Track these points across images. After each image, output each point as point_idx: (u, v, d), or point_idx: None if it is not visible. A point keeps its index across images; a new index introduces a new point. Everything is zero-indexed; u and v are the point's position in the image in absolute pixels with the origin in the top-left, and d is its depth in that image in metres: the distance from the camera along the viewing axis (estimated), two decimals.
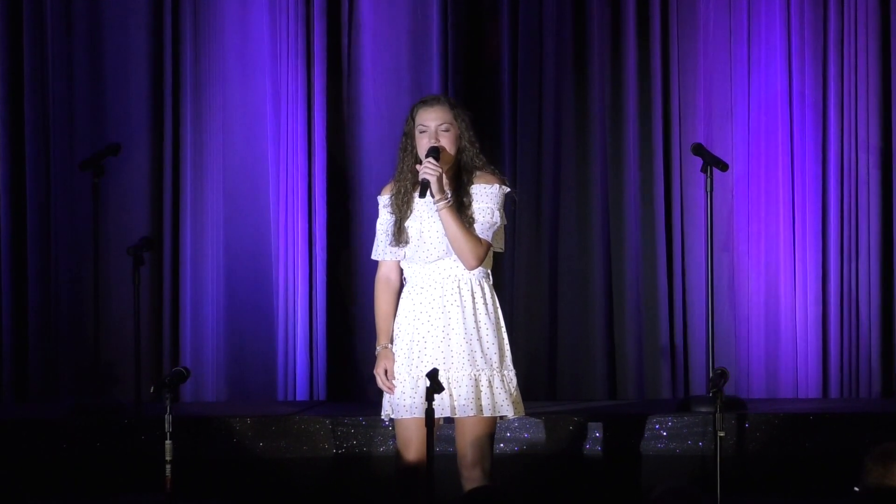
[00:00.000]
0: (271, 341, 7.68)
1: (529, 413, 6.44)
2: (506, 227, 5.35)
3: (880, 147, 7.61)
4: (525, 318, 7.65)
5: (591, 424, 6.49)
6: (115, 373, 7.51)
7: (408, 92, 7.63)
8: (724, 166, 6.79)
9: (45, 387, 7.66)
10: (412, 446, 5.24)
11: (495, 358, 5.23)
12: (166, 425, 5.13)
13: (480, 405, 5.19)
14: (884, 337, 7.61)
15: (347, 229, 7.70)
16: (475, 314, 5.22)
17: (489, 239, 5.22)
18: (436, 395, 5.06)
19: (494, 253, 5.33)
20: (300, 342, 7.65)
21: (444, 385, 5.07)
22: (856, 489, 4.04)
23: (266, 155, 7.71)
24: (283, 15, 7.69)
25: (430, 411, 4.88)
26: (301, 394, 7.64)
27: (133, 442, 6.49)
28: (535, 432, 6.50)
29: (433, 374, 4.90)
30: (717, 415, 5.67)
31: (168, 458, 5.17)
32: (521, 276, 7.65)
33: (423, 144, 5.23)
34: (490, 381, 5.21)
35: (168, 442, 5.15)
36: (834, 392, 7.57)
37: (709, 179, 6.77)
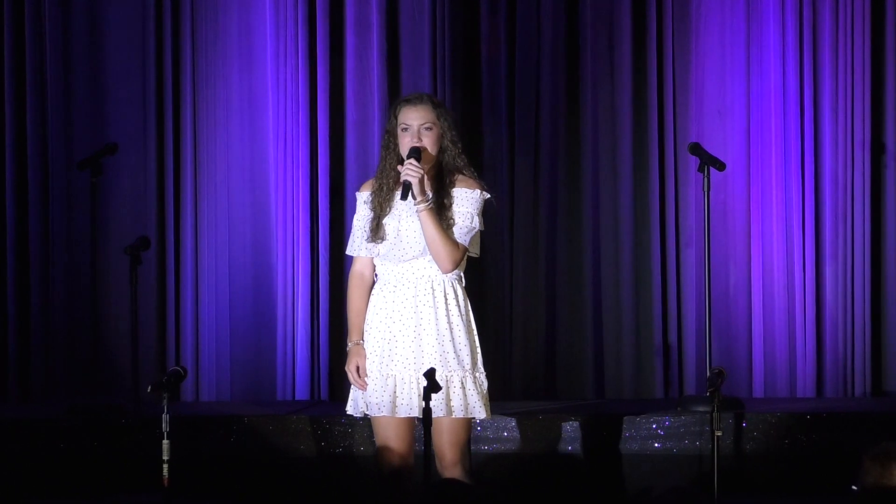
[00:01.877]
0: (272, 340, 7.66)
1: (527, 412, 6.44)
2: (482, 232, 5.32)
3: (875, 145, 7.58)
4: (523, 318, 7.63)
5: (589, 424, 6.46)
6: (113, 372, 7.49)
7: (408, 91, 7.59)
8: (721, 166, 6.75)
9: (43, 387, 7.65)
10: (390, 444, 5.26)
11: (468, 360, 5.21)
12: (164, 425, 5.11)
13: (451, 406, 5.18)
14: (875, 335, 7.58)
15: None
16: (448, 315, 5.20)
17: (466, 244, 5.21)
18: (406, 396, 5.15)
19: (469, 258, 5.31)
20: (301, 341, 7.63)
21: (415, 386, 5.11)
22: (854, 488, 4.02)
23: (268, 153, 7.68)
24: (283, 13, 7.67)
25: (427, 411, 4.86)
26: (301, 393, 7.62)
27: (131, 441, 6.47)
28: (531, 432, 6.48)
29: (430, 374, 4.86)
30: (715, 414, 5.67)
31: (165, 457, 5.14)
32: (519, 277, 7.63)
33: (405, 143, 5.21)
34: (462, 383, 5.20)
35: (165, 441, 5.13)
36: (830, 391, 7.54)
37: (706, 179, 6.73)
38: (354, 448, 6.47)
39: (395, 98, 7.44)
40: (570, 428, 6.48)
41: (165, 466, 5.14)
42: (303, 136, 7.66)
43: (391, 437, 5.25)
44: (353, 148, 7.71)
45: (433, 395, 4.99)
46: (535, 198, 7.65)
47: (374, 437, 6.34)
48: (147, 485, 6.04)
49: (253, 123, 7.70)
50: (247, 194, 7.70)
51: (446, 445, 5.22)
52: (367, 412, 5.29)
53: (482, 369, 5.27)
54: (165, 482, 5.16)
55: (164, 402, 5.10)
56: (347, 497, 6.41)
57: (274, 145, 7.68)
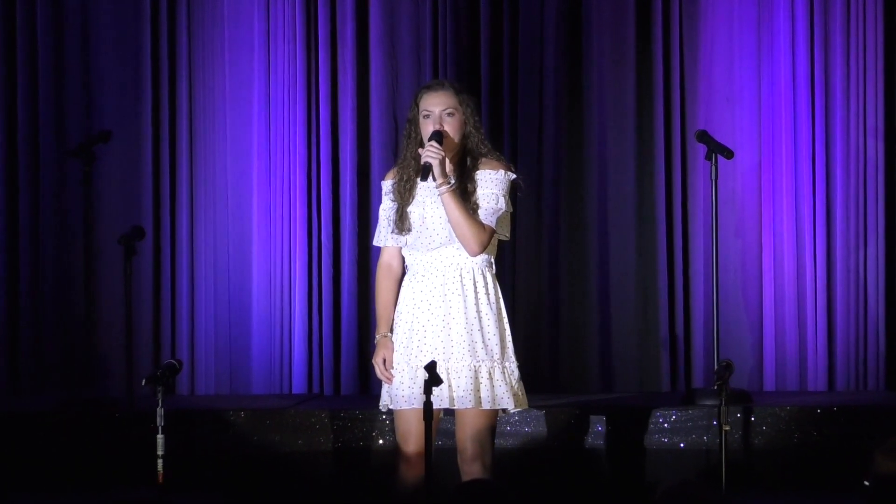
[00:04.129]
0: (270, 332, 7.65)
1: (530, 406, 6.42)
2: (511, 215, 5.30)
3: (889, 133, 7.56)
4: (525, 308, 7.60)
5: (593, 418, 6.45)
6: (107, 365, 7.50)
7: (409, 76, 7.59)
8: (729, 154, 6.73)
9: (35, 379, 7.64)
10: (411, 439, 5.20)
11: (496, 349, 5.18)
12: (158, 419, 5.11)
13: (479, 397, 5.14)
14: (889, 327, 7.56)
15: (353, 215, 7.66)
16: (477, 303, 5.18)
17: (493, 224, 5.17)
18: (436, 388, 5.01)
19: (499, 241, 5.29)
20: (298, 333, 7.62)
21: (444, 376, 5.03)
22: (866, 483, 4.01)
23: (267, 141, 7.67)
24: None
25: (427, 404, 4.83)
26: (298, 387, 7.61)
27: (124, 436, 6.44)
28: (535, 426, 6.46)
29: (431, 367, 4.84)
30: (723, 408, 5.65)
31: (160, 452, 5.14)
32: (522, 266, 7.61)
33: (427, 130, 5.19)
34: (490, 373, 5.16)
35: (160, 436, 5.13)
36: (841, 384, 7.52)
37: (713, 167, 6.72)
38: (354, 443, 6.45)
39: (395, 85, 7.45)
40: (575, 422, 6.47)
41: (160, 461, 5.14)
42: (301, 123, 7.65)
43: (412, 431, 5.19)
44: (351, 135, 7.69)
45: (459, 386, 5.04)
46: (538, 185, 7.62)
47: (376, 431, 6.36)
48: (141, 480, 5.98)
49: (251, 110, 7.68)
50: (245, 182, 7.68)
51: (468, 439, 5.17)
52: (391, 406, 5.24)
53: (513, 359, 5.24)
54: (160, 478, 5.16)
55: (159, 395, 5.10)
56: (349, 494, 6.40)
57: (273, 133, 7.67)
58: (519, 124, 7.63)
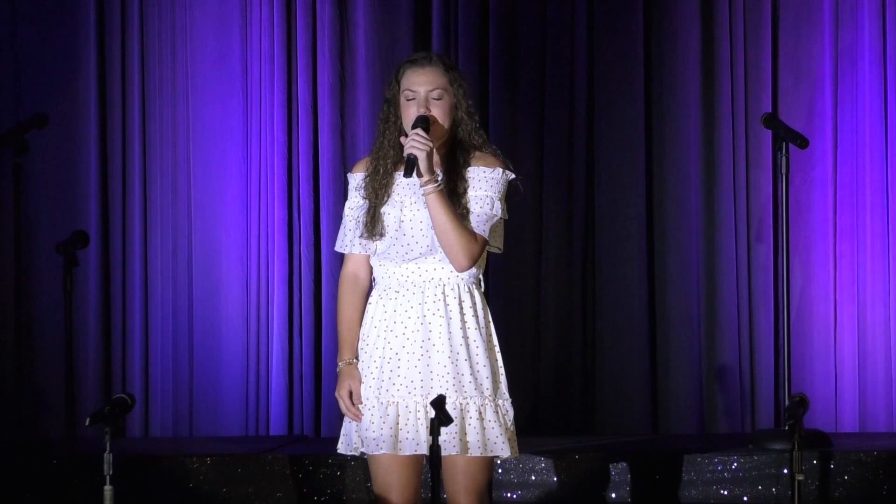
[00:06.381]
0: (241, 362, 7.64)
1: (561, 451, 6.39)
2: (506, 223, 5.18)
3: None
4: (555, 332, 7.68)
5: (637, 464, 6.49)
6: (42, 401, 7.46)
7: (405, 50, 7.58)
8: (803, 142, 6.72)
9: None
10: (393, 491, 5.12)
11: (487, 383, 5.08)
12: (105, 466, 5.06)
13: (466, 442, 5.05)
14: None
15: (335, 220, 7.64)
16: (463, 328, 5.08)
17: (486, 234, 5.08)
18: (412, 429, 5.05)
19: (489, 254, 5.19)
20: (276, 363, 7.64)
21: (420, 416, 5.02)
22: None
23: (236, 128, 7.66)
24: None
25: (435, 448, 4.77)
26: (277, 428, 7.60)
27: (64, 486, 6.45)
28: (566, 474, 6.49)
29: (440, 403, 4.76)
30: (795, 453, 5.57)
31: None
32: (550, 282, 7.69)
33: (409, 115, 5.10)
34: (481, 413, 5.07)
35: (108, 487, 5.08)
36: None
37: (784, 158, 6.72)
38: (345, 494, 6.49)
39: (387, 56, 7.41)
40: (615, 470, 6.51)
41: None
42: (278, 104, 7.68)
43: (393, 482, 5.10)
44: (329, 121, 7.65)
45: (443, 430, 4.90)
46: (570, 187, 7.72)
47: (370, 482, 6.30)
48: None
49: (218, 90, 7.74)
50: (209, 179, 7.74)
51: (461, 492, 5.08)
52: (362, 450, 5.13)
53: (506, 395, 5.11)
54: None
55: (107, 437, 5.04)
56: None
57: (244, 117, 7.69)
58: (546, 105, 7.63)
